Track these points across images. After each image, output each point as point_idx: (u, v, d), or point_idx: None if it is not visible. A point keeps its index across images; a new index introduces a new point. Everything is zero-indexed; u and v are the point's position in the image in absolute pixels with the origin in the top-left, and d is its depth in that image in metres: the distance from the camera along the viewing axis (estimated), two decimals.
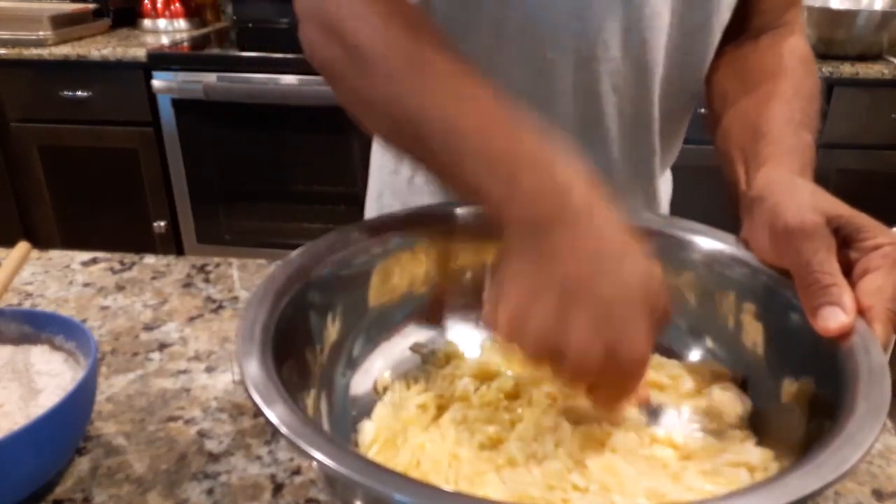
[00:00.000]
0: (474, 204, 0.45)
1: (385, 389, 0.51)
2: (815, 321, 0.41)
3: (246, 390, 0.36)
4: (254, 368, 0.37)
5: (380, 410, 0.49)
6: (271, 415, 0.34)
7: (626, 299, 0.39)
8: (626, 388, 0.41)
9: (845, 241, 0.44)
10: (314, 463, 0.32)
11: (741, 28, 0.68)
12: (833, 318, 0.40)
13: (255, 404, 0.35)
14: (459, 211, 0.53)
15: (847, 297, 0.41)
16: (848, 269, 0.43)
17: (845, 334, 0.40)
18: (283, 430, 0.33)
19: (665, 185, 0.81)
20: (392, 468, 0.41)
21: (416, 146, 0.47)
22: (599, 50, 0.62)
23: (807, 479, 0.30)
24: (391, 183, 0.77)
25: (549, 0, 0.60)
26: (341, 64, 0.49)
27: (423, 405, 0.48)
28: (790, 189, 0.47)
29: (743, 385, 0.48)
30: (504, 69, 0.63)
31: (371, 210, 0.80)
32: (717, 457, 0.42)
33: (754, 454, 0.42)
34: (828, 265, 0.42)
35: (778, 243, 0.45)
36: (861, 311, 0.41)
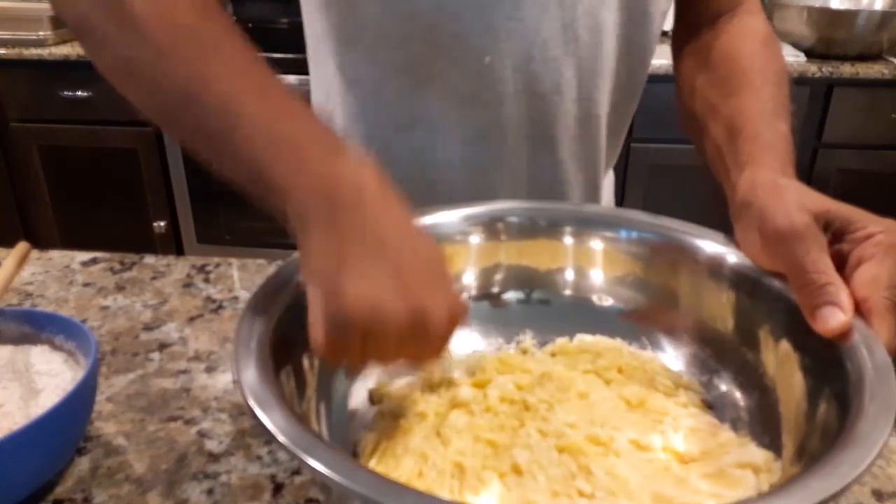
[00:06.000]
0: (247, 188, 0.43)
1: (382, 398, 0.50)
2: (815, 322, 0.41)
3: (244, 398, 0.35)
4: (251, 375, 0.37)
5: (378, 419, 0.48)
6: (269, 423, 0.33)
7: (430, 270, 0.40)
8: (435, 350, 0.42)
9: (836, 235, 0.44)
10: (313, 472, 0.31)
11: (698, 15, 0.67)
12: (833, 318, 0.40)
13: (252, 413, 0.34)
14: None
15: (844, 294, 0.41)
16: (843, 262, 0.43)
17: (846, 333, 0.40)
18: (282, 438, 0.33)
19: (608, 184, 0.79)
20: (395, 479, 0.40)
21: (186, 124, 0.44)
22: (537, 51, 0.61)
23: (827, 480, 0.30)
24: None
25: (482, 3, 0.58)
26: (108, 28, 0.44)
27: (423, 413, 0.47)
28: (774, 191, 0.46)
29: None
30: (443, 75, 0.62)
31: None
32: (720, 459, 0.42)
33: (758, 455, 0.42)
34: (821, 264, 0.42)
35: (769, 247, 0.45)
36: (857, 304, 0.41)
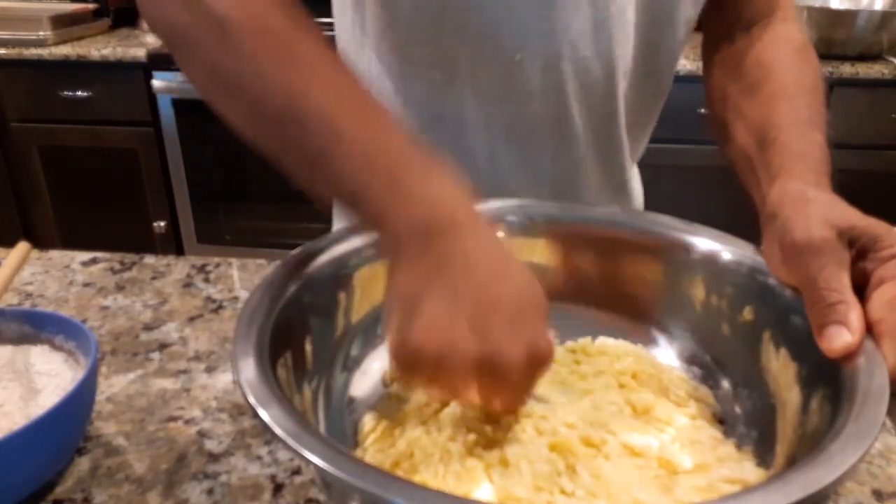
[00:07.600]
0: (340, 202, 0.43)
1: (393, 382, 0.51)
2: (821, 340, 0.40)
3: (242, 392, 0.36)
4: (250, 369, 0.37)
5: (383, 401, 0.50)
6: (266, 416, 0.34)
7: (516, 308, 0.39)
8: (514, 395, 0.42)
9: (861, 253, 0.42)
10: (311, 465, 0.32)
11: (731, 23, 0.67)
12: (838, 338, 0.39)
13: (250, 406, 0.35)
14: None
15: (854, 315, 0.39)
16: (866, 281, 0.41)
17: (851, 355, 0.38)
18: (279, 432, 0.33)
19: (636, 181, 0.80)
20: (383, 460, 0.42)
21: (284, 142, 0.43)
22: (567, 50, 0.61)
23: (769, 496, 0.30)
24: None
25: (513, 2, 0.58)
26: (198, 34, 0.44)
27: (427, 402, 0.48)
28: (801, 203, 0.45)
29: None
30: (472, 71, 0.62)
31: (340, 218, 0.79)
32: (712, 472, 0.42)
33: (751, 472, 0.41)
34: (835, 281, 0.40)
35: (787, 260, 0.44)
36: (870, 326, 0.39)
